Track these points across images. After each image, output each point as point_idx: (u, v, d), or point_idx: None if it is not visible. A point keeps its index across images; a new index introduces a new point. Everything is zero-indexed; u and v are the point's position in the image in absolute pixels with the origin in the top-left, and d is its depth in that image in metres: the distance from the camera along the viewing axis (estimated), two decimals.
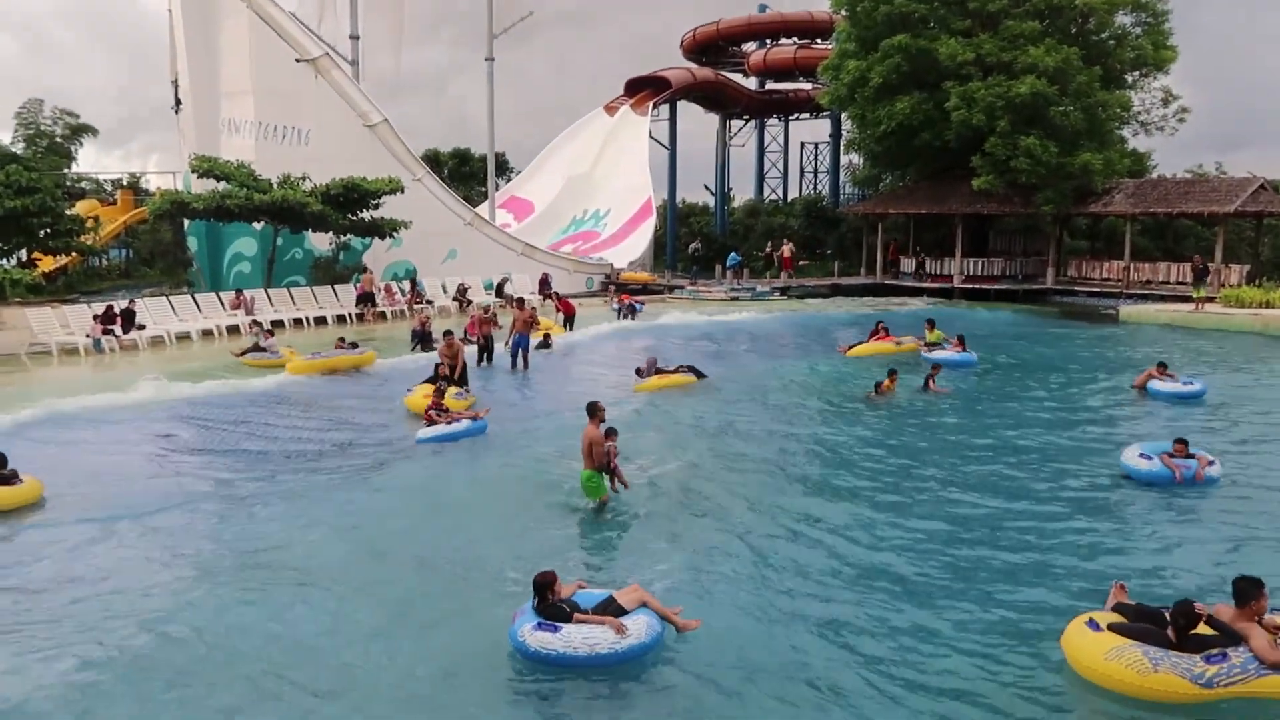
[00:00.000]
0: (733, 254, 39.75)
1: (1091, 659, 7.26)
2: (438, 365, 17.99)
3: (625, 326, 27.81)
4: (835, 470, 12.79)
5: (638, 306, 31.88)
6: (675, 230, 49.57)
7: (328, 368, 19.63)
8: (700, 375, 18.74)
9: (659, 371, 18.63)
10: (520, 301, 22.14)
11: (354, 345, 20.82)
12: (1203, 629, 7.29)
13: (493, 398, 17.80)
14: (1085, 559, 9.60)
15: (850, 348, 22.32)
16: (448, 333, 18.47)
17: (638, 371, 18.99)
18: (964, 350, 20.92)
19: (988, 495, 11.61)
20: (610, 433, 11.13)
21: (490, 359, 21.15)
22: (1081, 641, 7.42)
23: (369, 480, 12.34)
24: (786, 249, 40.26)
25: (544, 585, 7.63)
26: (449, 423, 14.29)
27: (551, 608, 7.65)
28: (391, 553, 9.75)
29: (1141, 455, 12.10)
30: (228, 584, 9.01)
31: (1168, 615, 7.45)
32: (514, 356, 20.42)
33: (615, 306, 29.20)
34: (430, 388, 17.21)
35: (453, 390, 16.85)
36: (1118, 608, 7.78)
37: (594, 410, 11.23)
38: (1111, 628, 7.47)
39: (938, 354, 20.74)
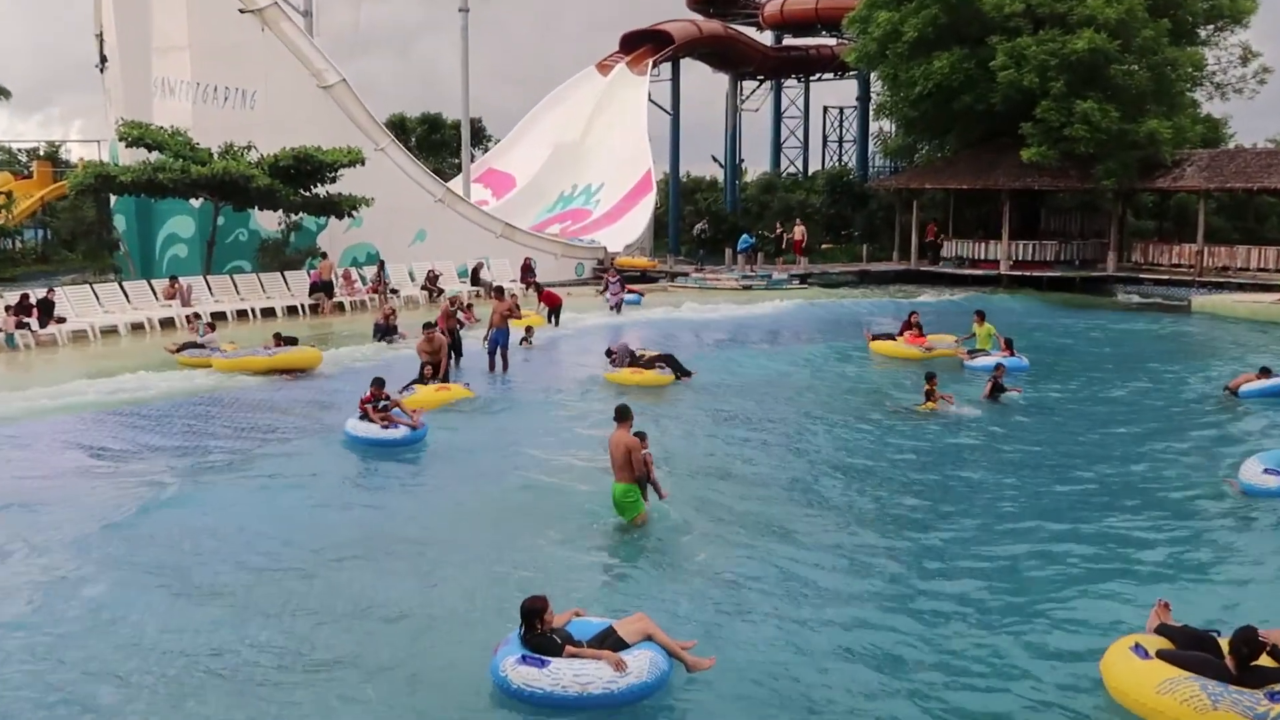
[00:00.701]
0: (745, 236, 39.81)
1: (1141, 691, 7.14)
2: (423, 366, 17.97)
3: (618, 320, 27.85)
4: (868, 484, 12.83)
5: (634, 299, 31.91)
6: (678, 209, 49.64)
7: (258, 368, 19.47)
8: (683, 373, 18.74)
9: (633, 361, 18.62)
10: (499, 291, 22.12)
11: (291, 341, 20.52)
12: (1265, 660, 7.21)
13: (469, 404, 17.81)
14: (1137, 580, 9.69)
15: (876, 337, 22.34)
16: (429, 325, 18.46)
17: (610, 356, 19.03)
18: (1013, 354, 20.75)
19: (1046, 516, 11.64)
20: (641, 437, 11.21)
21: (459, 358, 21.12)
22: (1128, 670, 7.30)
23: (311, 492, 12.33)
24: (798, 230, 40.28)
25: (533, 613, 7.57)
26: (384, 426, 14.24)
27: (540, 638, 7.56)
28: (359, 581, 9.73)
29: (1268, 471, 12.00)
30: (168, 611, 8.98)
31: (1223, 642, 7.35)
32: (492, 355, 20.35)
33: (608, 297, 29.04)
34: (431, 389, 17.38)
35: (430, 389, 17.03)
36: (1162, 630, 7.68)
37: (624, 414, 11.27)
38: (1161, 655, 7.35)
39: (981, 361, 20.62)
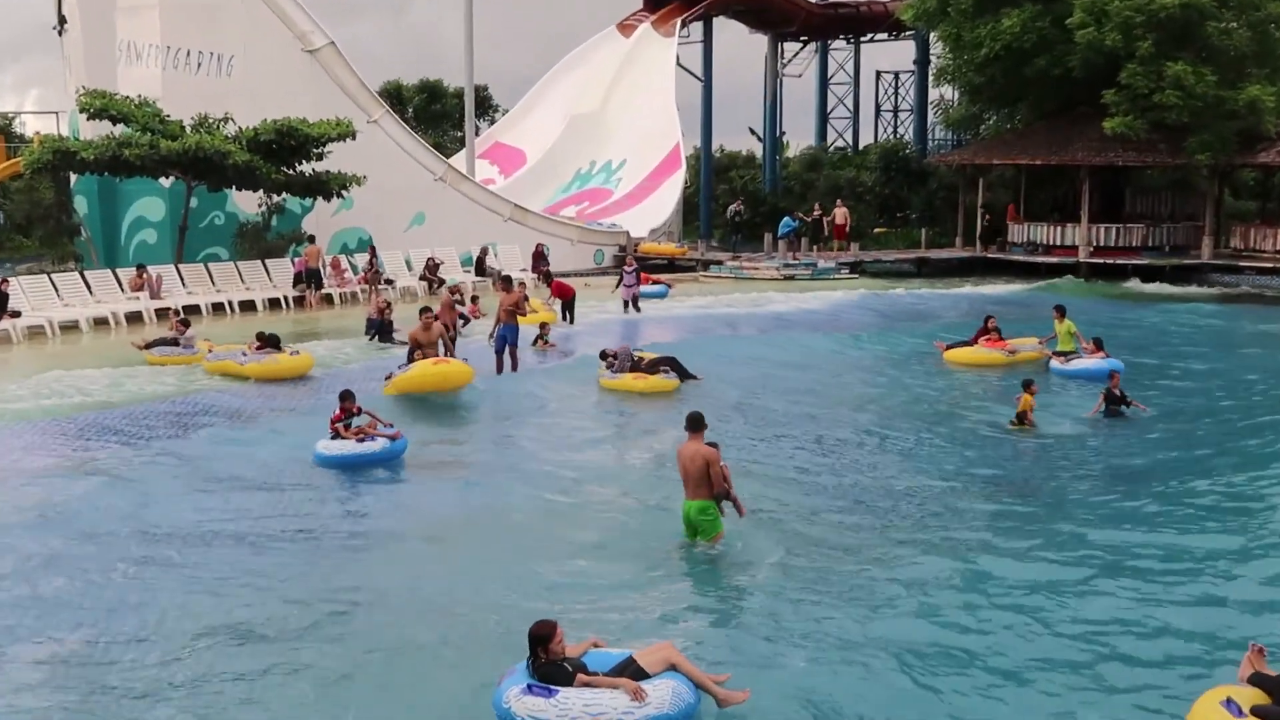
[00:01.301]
0: (786, 219, 39.78)
1: None
2: (412, 352, 18.16)
3: (636, 317, 27.85)
4: (948, 508, 12.79)
5: (661, 290, 31.97)
6: (710, 188, 49.63)
7: (241, 374, 19.67)
8: (689, 377, 18.94)
9: (635, 366, 18.78)
10: (506, 281, 22.20)
11: (274, 341, 20.43)
12: None
13: (472, 411, 18.01)
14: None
15: (949, 347, 22.26)
16: (425, 310, 18.64)
17: (605, 359, 19.20)
18: (1104, 355, 20.62)
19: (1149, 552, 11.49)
20: (715, 446, 11.35)
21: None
22: None
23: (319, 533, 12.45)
24: (839, 213, 40.22)
25: (541, 638, 7.67)
26: (359, 439, 14.36)
27: (549, 667, 7.64)
28: (348, 610, 9.86)
29: None
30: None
31: None
32: (500, 355, 20.45)
33: (621, 291, 28.81)
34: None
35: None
36: (1256, 679, 7.62)
37: (697, 423, 11.31)
38: (1256, 712, 7.28)
39: (1075, 364, 20.49)
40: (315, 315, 28.31)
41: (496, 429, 16.71)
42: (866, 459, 15.07)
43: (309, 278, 29.86)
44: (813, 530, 11.98)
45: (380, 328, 23.51)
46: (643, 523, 12.20)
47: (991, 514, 12.59)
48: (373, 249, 31.72)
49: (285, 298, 29.46)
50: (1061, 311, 21.76)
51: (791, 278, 36.35)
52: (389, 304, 24.66)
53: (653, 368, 18.84)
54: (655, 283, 32.83)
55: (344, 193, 30.91)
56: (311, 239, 31.39)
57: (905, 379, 20.75)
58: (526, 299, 25.59)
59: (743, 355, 23.26)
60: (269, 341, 20.55)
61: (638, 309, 28.50)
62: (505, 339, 20.56)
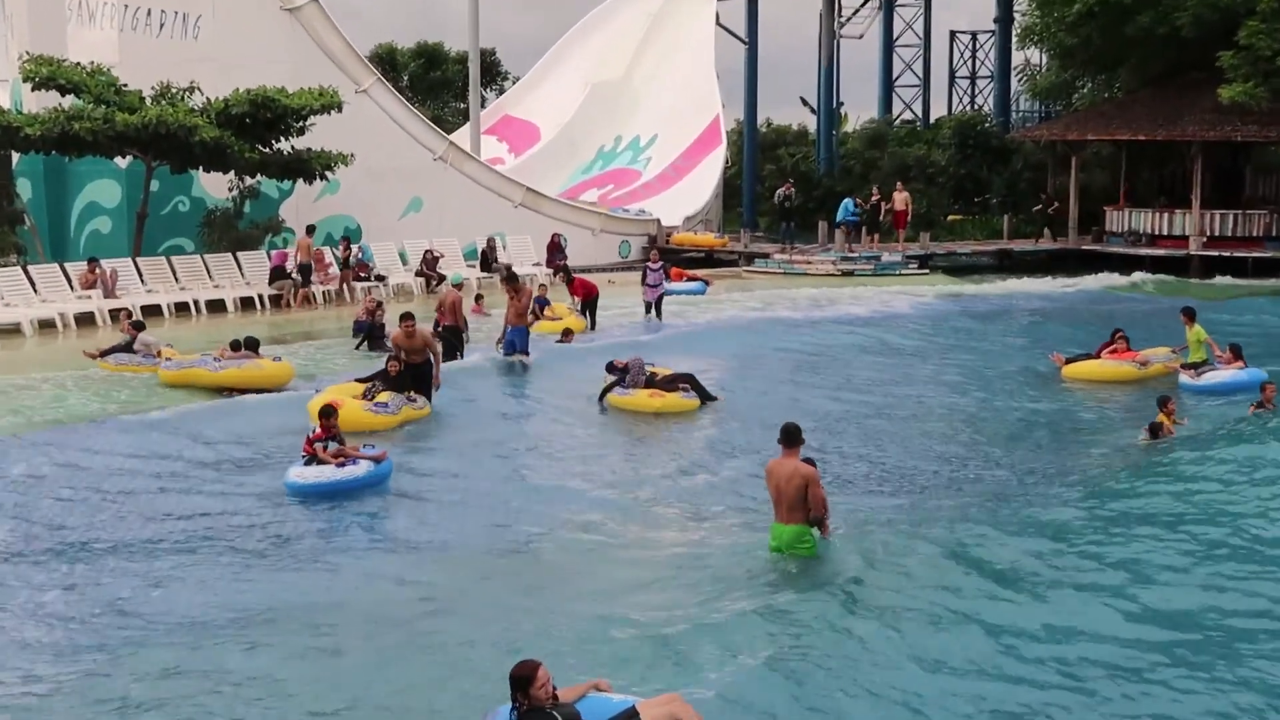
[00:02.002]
0: (847, 203, 39.42)
1: None
2: (390, 359, 18.16)
3: (663, 324, 27.61)
4: (1063, 547, 12.47)
5: (697, 288, 31.78)
6: (755, 168, 49.49)
7: (207, 384, 19.66)
8: (709, 398, 19.03)
9: (650, 382, 18.77)
10: (513, 278, 22.12)
11: (252, 347, 20.45)
12: None
13: (473, 422, 18.00)
14: None
15: (1070, 360, 22.07)
16: (407, 316, 18.62)
17: (612, 371, 19.19)
18: (1242, 365, 20.38)
19: None
20: (812, 464, 11.56)
21: (460, 357, 21.46)
22: None
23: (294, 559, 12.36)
24: (899, 197, 39.86)
25: (521, 681, 7.77)
26: (339, 463, 14.26)
27: (533, 714, 7.67)
28: (324, 660, 9.78)
29: None
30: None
31: None
32: (508, 355, 20.58)
33: (644, 292, 28.51)
34: (355, 389, 17.52)
35: (379, 398, 17.36)
36: None
37: (794, 437, 11.52)
38: None
39: (1209, 378, 20.28)
40: (295, 318, 28.28)
41: (486, 449, 16.82)
42: (973, 492, 14.94)
43: (302, 273, 29.87)
44: (911, 565, 11.85)
45: (369, 331, 23.44)
46: (680, 555, 12.26)
47: (1124, 558, 12.26)
48: (346, 240, 31.45)
49: (260, 296, 29.45)
50: (1191, 315, 21.33)
51: (850, 273, 36.13)
52: (379, 304, 24.63)
53: (670, 384, 18.80)
54: (691, 279, 32.70)
55: (328, 174, 30.90)
56: (310, 229, 31.24)
57: (1016, 400, 20.44)
58: (547, 303, 25.55)
59: (801, 365, 23.19)
60: (247, 346, 20.52)
61: (659, 315, 27.87)
62: (514, 344, 20.55)
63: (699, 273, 34.27)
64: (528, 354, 20.71)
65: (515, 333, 20.67)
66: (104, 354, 21.34)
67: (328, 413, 14.75)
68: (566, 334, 24.15)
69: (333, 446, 14.49)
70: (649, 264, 29.10)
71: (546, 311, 25.66)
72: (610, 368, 19.34)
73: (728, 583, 11.29)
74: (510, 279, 22.33)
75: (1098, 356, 21.94)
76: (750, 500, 13.95)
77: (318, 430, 14.58)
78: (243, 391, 19.43)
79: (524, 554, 12.47)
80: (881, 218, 39.58)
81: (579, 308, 26.89)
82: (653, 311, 27.99)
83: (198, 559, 12.14)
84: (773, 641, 9.85)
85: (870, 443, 17.32)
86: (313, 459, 14.36)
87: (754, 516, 13.21)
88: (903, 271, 36.68)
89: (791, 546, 11.36)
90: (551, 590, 11.36)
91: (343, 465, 14.26)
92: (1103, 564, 11.85)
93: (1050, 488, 14.85)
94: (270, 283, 29.80)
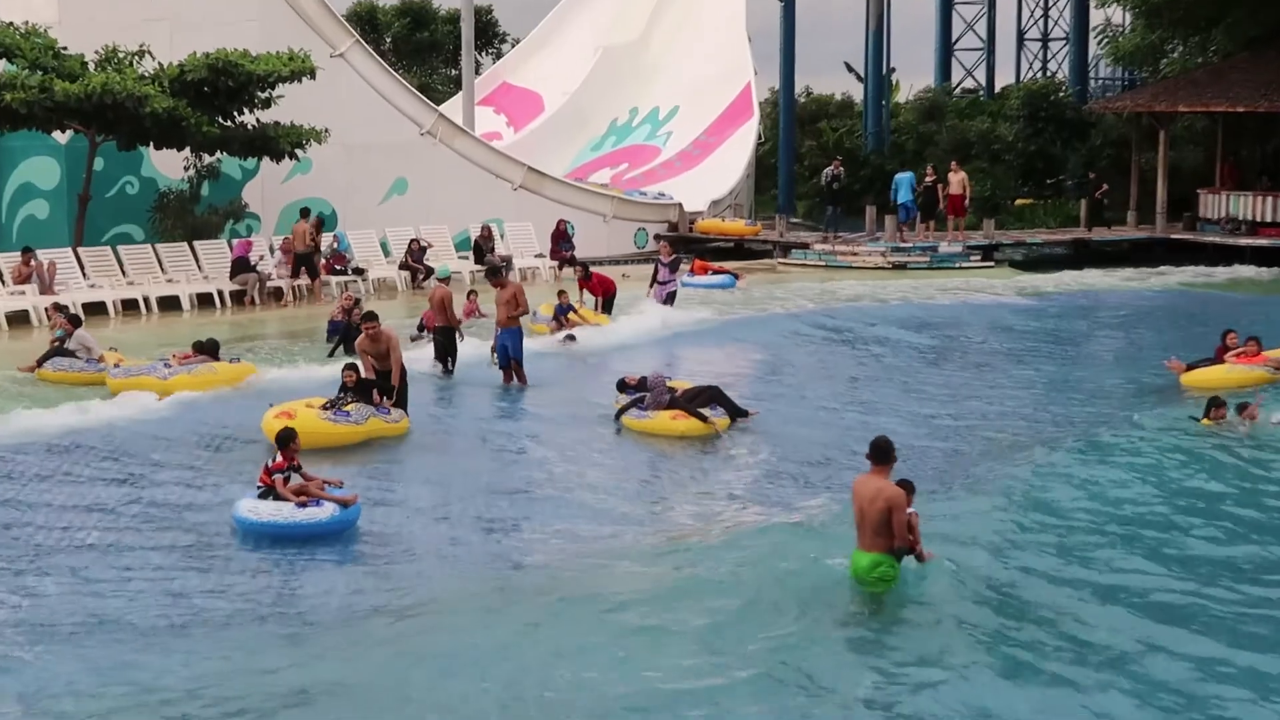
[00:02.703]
0: (903, 179, 38.99)
1: None
2: (345, 368, 18.13)
3: (684, 323, 27.47)
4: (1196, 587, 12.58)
5: (725, 282, 31.75)
6: (793, 144, 49.42)
7: (162, 392, 19.61)
8: (740, 414, 18.95)
9: (672, 402, 18.64)
10: (494, 273, 22.17)
11: (212, 350, 20.50)
12: None
13: (458, 444, 18.01)
14: None
15: (1191, 367, 22.00)
16: (369, 317, 18.70)
17: (627, 390, 19.14)
18: None
19: None
20: (907, 489, 11.65)
21: (452, 365, 21.49)
22: None
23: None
24: (955, 179, 39.56)
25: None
26: (300, 502, 13.84)
27: None
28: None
29: None
30: None
31: None
32: (505, 369, 20.56)
33: (654, 292, 28.34)
34: (310, 405, 17.45)
35: (344, 408, 17.32)
36: None
37: (884, 453, 11.62)
38: None
39: None
40: (260, 316, 28.37)
41: (475, 479, 16.49)
42: (1077, 508, 15.00)
43: (301, 263, 30.05)
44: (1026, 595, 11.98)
45: (345, 333, 23.44)
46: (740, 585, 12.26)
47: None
48: (318, 219, 31.38)
49: (220, 293, 29.51)
50: None
51: (903, 266, 36.13)
52: (357, 302, 24.62)
53: (695, 401, 18.66)
54: (718, 272, 32.75)
55: (299, 152, 30.98)
56: (305, 212, 31.13)
57: (1138, 416, 20.12)
58: (571, 309, 25.59)
59: (852, 374, 23.20)
60: (206, 349, 20.61)
61: (669, 303, 28.05)
62: (507, 350, 20.56)
63: (727, 265, 34.32)
64: (521, 357, 20.66)
65: (506, 335, 20.63)
66: (41, 362, 21.31)
67: (287, 438, 14.24)
68: (568, 338, 24.09)
69: (295, 480, 14.08)
70: (660, 258, 28.66)
71: (573, 318, 25.68)
72: (622, 386, 19.15)
73: (801, 611, 11.41)
74: (492, 272, 22.36)
75: (1220, 361, 21.88)
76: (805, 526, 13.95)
77: (277, 459, 14.15)
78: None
79: (526, 607, 12.10)
80: (941, 205, 39.37)
81: (598, 307, 26.97)
82: (666, 302, 28.03)
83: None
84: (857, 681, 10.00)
85: (953, 469, 17.07)
86: (269, 491, 13.98)
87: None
88: (963, 264, 36.63)
89: (867, 574, 11.45)
90: (580, 657, 10.92)
91: (304, 505, 13.85)
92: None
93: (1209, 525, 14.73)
94: (232, 276, 29.81)
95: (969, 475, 16.52)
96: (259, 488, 14.12)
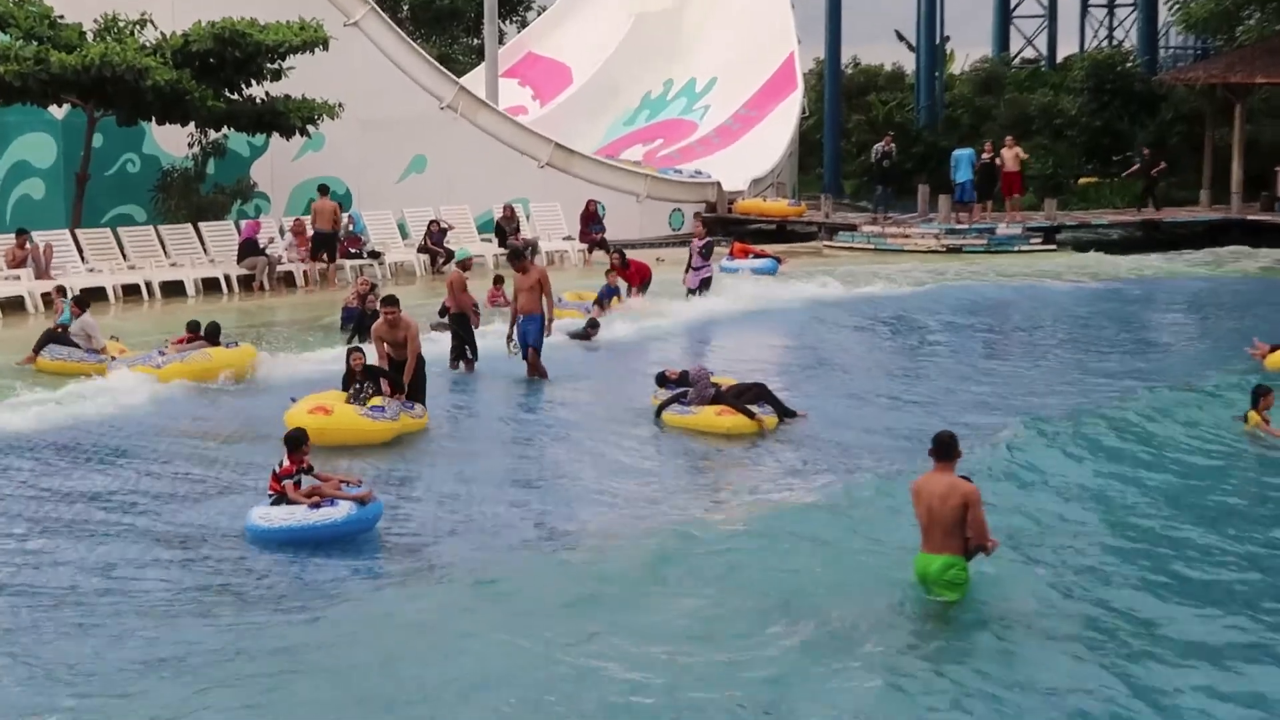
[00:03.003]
0: (962, 156, 38.61)
1: None
2: (351, 350, 18.07)
3: (717, 311, 27.43)
4: None
5: (766, 266, 31.60)
6: (839, 119, 49.22)
7: (161, 375, 19.76)
8: (788, 414, 18.84)
9: (717, 397, 18.58)
10: (516, 256, 21.96)
11: (211, 337, 20.54)
12: None
13: (477, 442, 17.92)
14: None
15: (1275, 348, 21.88)
16: (389, 301, 18.54)
17: (667, 384, 19.07)
18: None
19: None
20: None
21: (470, 358, 21.34)
22: None
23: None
24: (1009, 155, 39.11)
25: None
26: (314, 504, 13.81)
27: None
28: None
29: None
30: None
31: None
32: (525, 356, 20.52)
33: (687, 278, 28.12)
34: (335, 397, 17.43)
35: (373, 402, 17.27)
36: None
37: (948, 448, 11.63)
38: None
39: None
40: (269, 302, 28.40)
41: (498, 479, 16.37)
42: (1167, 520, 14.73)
43: (321, 246, 30.06)
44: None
45: (361, 321, 23.37)
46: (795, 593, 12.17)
47: None
48: (297, 230, 31.31)
49: (227, 277, 29.52)
50: None
51: (958, 250, 35.97)
52: (373, 287, 24.57)
53: (742, 398, 18.57)
54: (759, 255, 32.61)
55: (310, 127, 30.94)
56: (325, 190, 31.23)
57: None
58: (617, 293, 25.56)
59: (906, 368, 22.96)
60: (205, 335, 20.56)
61: (702, 293, 27.91)
62: (527, 338, 20.40)
63: (769, 248, 34.17)
64: (541, 346, 20.49)
65: (527, 323, 20.47)
66: (38, 349, 21.28)
67: (297, 441, 14.22)
68: (592, 325, 23.95)
69: (308, 483, 14.10)
70: (695, 242, 28.35)
71: (615, 304, 25.77)
72: (662, 380, 19.03)
73: (861, 627, 11.33)
74: (514, 256, 22.13)
75: None
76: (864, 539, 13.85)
77: (285, 464, 14.12)
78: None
79: (565, 613, 11.92)
80: (999, 185, 39.09)
81: (632, 295, 26.95)
82: (696, 293, 27.89)
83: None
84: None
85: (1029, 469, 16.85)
86: (281, 498, 13.98)
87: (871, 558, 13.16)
88: (1023, 247, 36.45)
89: (939, 579, 11.42)
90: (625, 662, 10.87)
91: (318, 506, 13.84)
92: None
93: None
94: (240, 260, 29.84)
95: (1040, 472, 16.46)
96: (270, 495, 14.09)
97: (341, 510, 13.85)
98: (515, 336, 20.69)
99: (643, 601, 12.06)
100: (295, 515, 13.77)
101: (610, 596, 12.22)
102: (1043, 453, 17.11)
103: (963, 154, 38.35)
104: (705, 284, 28.04)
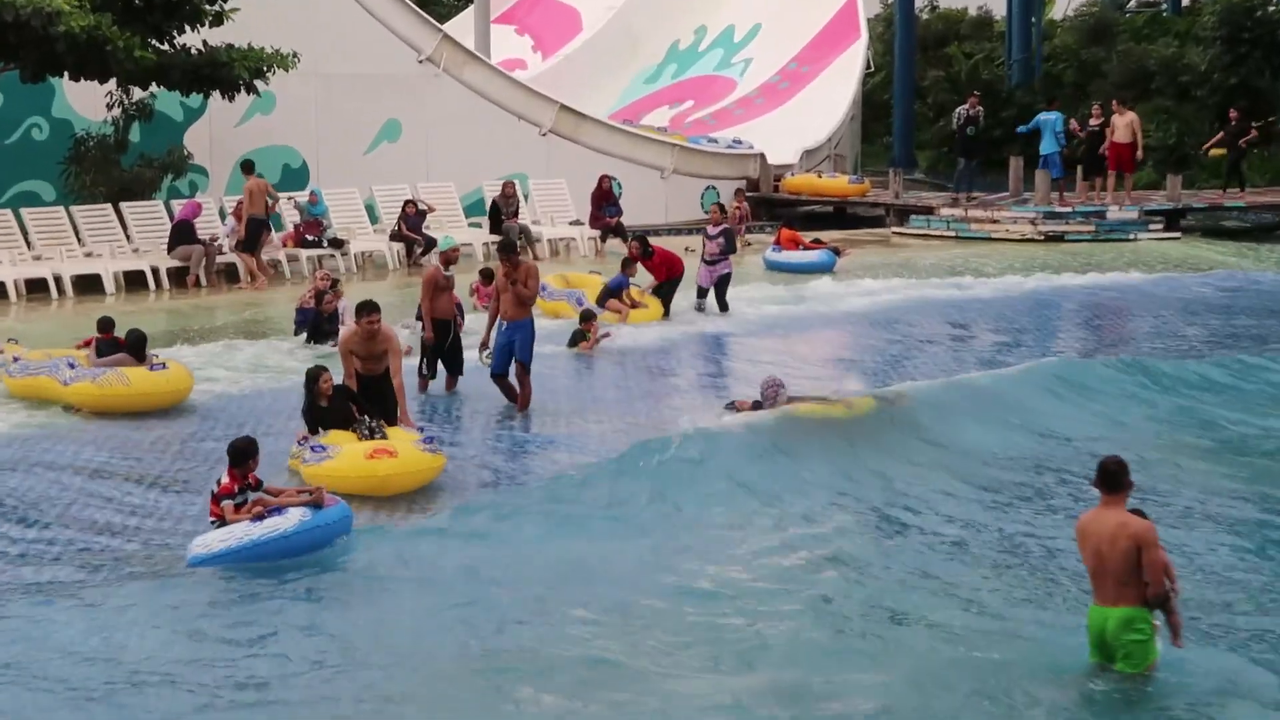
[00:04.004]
0: (1046, 122, 38.65)
1: None
2: (319, 375, 17.72)
3: (744, 318, 27.30)
4: None
5: (823, 260, 31.56)
6: (912, 76, 49.22)
7: (62, 402, 19.57)
8: None
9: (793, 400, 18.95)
10: (507, 249, 21.73)
11: (135, 347, 20.08)
12: None
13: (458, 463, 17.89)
14: None
15: None
16: (368, 307, 18.19)
17: (734, 410, 19.25)
18: None
19: None
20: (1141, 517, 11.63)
21: (454, 369, 21.20)
22: None
23: None
24: (1120, 122, 38.86)
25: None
26: (256, 516, 13.92)
27: None
28: None
29: None
30: None
31: None
32: (500, 379, 20.18)
33: (706, 277, 27.78)
34: (346, 436, 17.25)
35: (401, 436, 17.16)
36: None
37: (1116, 479, 11.53)
38: None
39: None
40: (207, 301, 28.42)
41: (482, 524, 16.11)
42: None
43: (253, 232, 29.91)
44: None
45: (317, 323, 23.43)
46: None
47: None
48: (240, 214, 31.33)
49: (155, 270, 29.49)
50: None
51: (1060, 238, 36.05)
52: (335, 283, 24.56)
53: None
54: (811, 246, 32.63)
55: (259, 84, 30.95)
56: (248, 167, 30.98)
57: None
58: (625, 285, 25.52)
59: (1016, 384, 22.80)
60: (128, 347, 20.15)
61: (722, 305, 27.19)
62: (509, 346, 20.08)
63: (825, 237, 34.20)
64: (529, 361, 20.25)
65: (513, 331, 20.19)
66: None
67: (243, 453, 14.35)
68: (586, 318, 23.55)
69: (253, 497, 14.32)
70: (709, 228, 27.60)
71: (626, 296, 25.77)
72: (732, 409, 19.15)
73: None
74: (505, 248, 21.82)
75: None
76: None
77: (224, 482, 14.29)
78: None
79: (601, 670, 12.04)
80: (1096, 149, 38.97)
81: (656, 290, 26.75)
82: (714, 301, 27.29)
83: None
84: None
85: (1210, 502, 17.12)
86: (222, 521, 14.18)
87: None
88: (1139, 234, 36.47)
89: (1118, 637, 11.33)
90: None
91: (261, 519, 14.01)
92: None
93: None
94: (171, 249, 29.80)
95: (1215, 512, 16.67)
96: (212, 521, 14.26)
97: (291, 519, 13.94)
98: (487, 348, 20.47)
99: None
100: (234, 534, 13.86)
101: None
102: None
103: (1047, 119, 38.51)
104: (723, 284, 27.36)
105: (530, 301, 20.23)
